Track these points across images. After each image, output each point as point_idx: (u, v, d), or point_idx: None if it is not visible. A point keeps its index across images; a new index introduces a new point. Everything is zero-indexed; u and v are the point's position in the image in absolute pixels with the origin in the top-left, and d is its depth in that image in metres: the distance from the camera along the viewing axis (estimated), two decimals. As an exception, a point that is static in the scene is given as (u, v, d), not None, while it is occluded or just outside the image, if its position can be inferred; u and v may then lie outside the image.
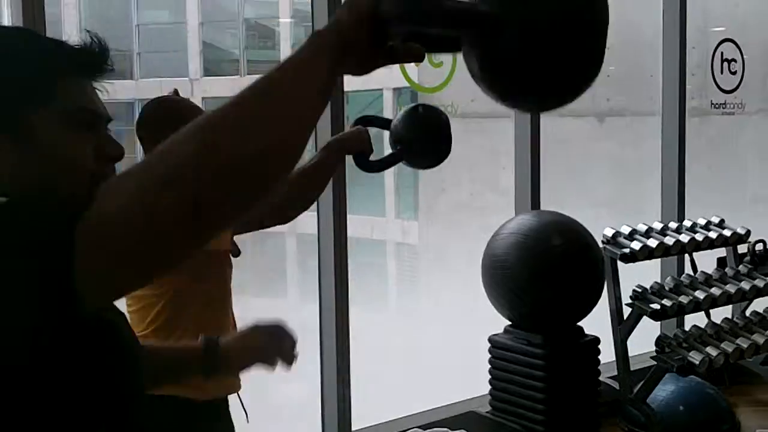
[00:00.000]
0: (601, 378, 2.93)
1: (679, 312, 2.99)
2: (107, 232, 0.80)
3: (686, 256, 3.29)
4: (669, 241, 3.08)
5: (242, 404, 2.23)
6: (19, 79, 0.97)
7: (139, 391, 1.02)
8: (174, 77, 13.07)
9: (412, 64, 3.04)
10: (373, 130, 2.17)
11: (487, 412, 2.91)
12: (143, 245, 0.81)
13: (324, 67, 0.89)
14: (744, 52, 4.08)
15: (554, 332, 2.80)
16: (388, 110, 11.43)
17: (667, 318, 3.00)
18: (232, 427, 2.22)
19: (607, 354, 2.98)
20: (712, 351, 2.92)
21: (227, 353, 1.41)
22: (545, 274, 2.71)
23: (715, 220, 3.35)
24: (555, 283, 2.71)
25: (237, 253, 2.26)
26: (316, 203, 2.82)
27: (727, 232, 3.28)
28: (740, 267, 3.25)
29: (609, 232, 3.09)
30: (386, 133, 2.09)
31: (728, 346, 2.97)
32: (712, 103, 4.06)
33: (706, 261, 3.34)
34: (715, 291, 3.03)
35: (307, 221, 2.83)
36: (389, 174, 11.64)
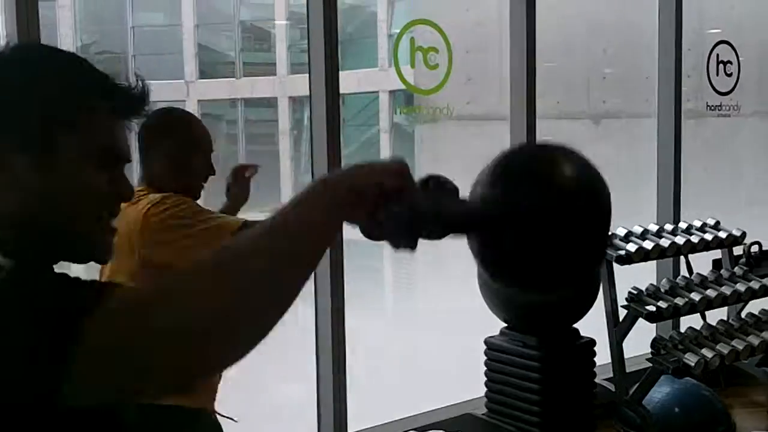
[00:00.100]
0: (596, 380, 2.93)
1: (675, 314, 2.99)
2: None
3: (682, 258, 3.29)
4: (665, 242, 3.08)
5: (224, 416, 2.21)
6: (60, 105, 0.97)
7: None
8: (169, 80, 13.06)
9: (408, 66, 3.05)
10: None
11: (483, 414, 2.91)
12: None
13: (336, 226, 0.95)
14: (740, 54, 4.09)
15: (550, 334, 2.79)
16: (384, 112, 11.44)
17: (663, 320, 3.00)
18: None
19: (602, 356, 2.98)
20: (707, 353, 2.92)
21: None
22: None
23: (711, 221, 3.36)
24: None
25: None
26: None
27: (722, 234, 3.28)
28: (736, 269, 3.26)
29: (604, 234, 3.09)
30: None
31: (724, 348, 2.97)
32: (707, 105, 4.07)
33: (702, 263, 3.34)
34: (711, 293, 3.04)
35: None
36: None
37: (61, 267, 0.98)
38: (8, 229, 0.94)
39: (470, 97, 5.96)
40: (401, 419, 2.96)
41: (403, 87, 3.19)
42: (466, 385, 3.10)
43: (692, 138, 4.25)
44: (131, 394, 0.86)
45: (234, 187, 2.37)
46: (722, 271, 3.24)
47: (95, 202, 0.99)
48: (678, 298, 2.98)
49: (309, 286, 2.66)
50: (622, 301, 3.02)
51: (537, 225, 0.95)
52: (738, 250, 3.45)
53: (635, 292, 3.01)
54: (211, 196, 2.27)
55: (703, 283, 3.13)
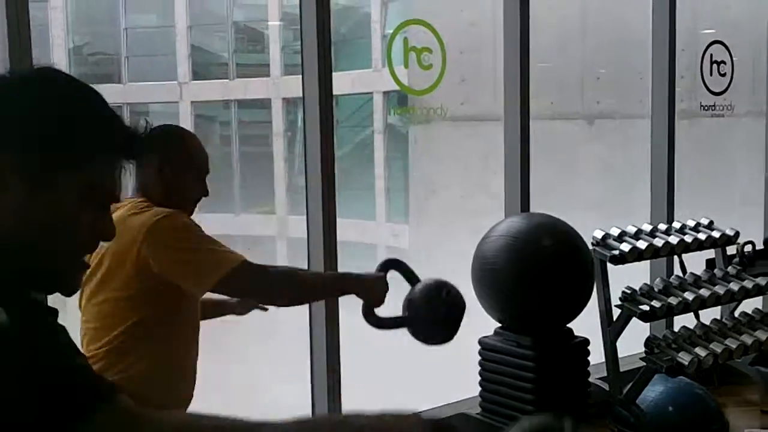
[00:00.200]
0: (590, 379, 2.94)
1: (669, 313, 2.99)
2: None
3: (675, 257, 3.30)
4: (658, 242, 3.09)
5: None
6: (67, 136, 0.98)
7: None
8: (162, 81, 13.04)
9: (402, 67, 3.05)
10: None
11: (477, 413, 2.91)
12: None
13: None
14: (733, 54, 4.10)
15: (544, 334, 2.80)
16: (378, 113, 11.44)
17: (657, 319, 3.01)
18: None
19: (596, 355, 2.98)
20: (701, 352, 2.93)
21: None
22: (535, 276, 2.72)
23: (705, 221, 3.37)
24: (544, 285, 2.72)
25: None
26: (305, 208, 2.83)
27: (716, 234, 3.29)
28: (729, 268, 3.27)
29: (599, 234, 3.09)
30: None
31: (717, 347, 2.98)
32: (701, 105, 4.07)
33: (696, 262, 3.35)
34: (704, 292, 3.04)
35: (297, 225, 2.82)
36: (379, 177, 11.65)
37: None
38: None
39: (464, 97, 5.96)
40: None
41: (397, 88, 3.19)
42: (461, 384, 3.10)
43: (686, 138, 4.27)
44: None
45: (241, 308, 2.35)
46: (716, 271, 3.25)
47: (78, 238, 1.00)
48: (671, 298, 2.99)
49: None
50: (615, 300, 3.03)
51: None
52: (731, 250, 3.46)
53: (629, 291, 3.01)
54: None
55: (697, 282, 3.14)
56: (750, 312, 3.23)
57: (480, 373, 2.91)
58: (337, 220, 2.81)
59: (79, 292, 1.72)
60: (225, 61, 13.59)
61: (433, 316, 2.05)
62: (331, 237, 2.77)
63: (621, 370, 3.08)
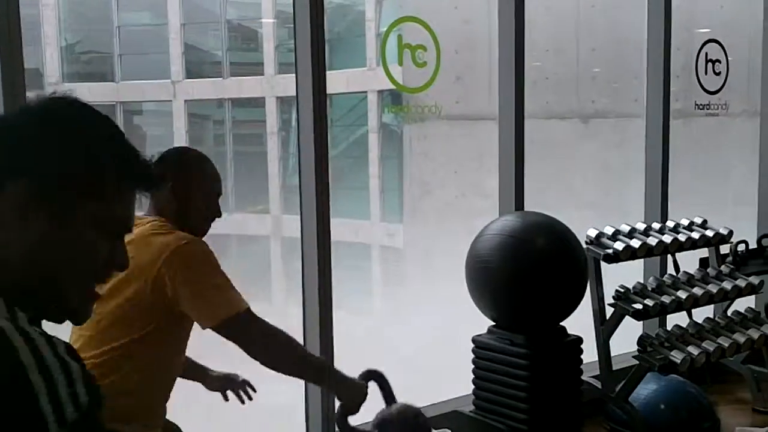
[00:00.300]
0: (583, 377, 2.94)
1: (662, 312, 3.00)
2: None
3: (669, 256, 3.31)
4: (652, 241, 3.10)
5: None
6: (87, 168, 0.99)
7: None
8: (156, 79, 13.00)
9: (396, 65, 3.05)
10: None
11: (470, 411, 2.92)
12: None
13: None
14: (729, 53, 4.11)
15: (537, 332, 2.80)
16: (373, 112, 11.43)
17: (650, 318, 3.02)
18: None
19: (589, 353, 2.99)
20: (693, 350, 2.94)
21: None
22: (528, 274, 2.72)
23: (698, 220, 3.38)
24: (538, 283, 2.72)
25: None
26: (299, 207, 2.83)
27: (709, 233, 3.30)
28: (722, 267, 3.28)
29: (592, 233, 3.10)
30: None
31: (710, 345, 2.99)
32: (696, 104, 4.08)
33: (690, 261, 3.36)
34: (697, 291, 3.05)
35: (291, 225, 2.82)
36: (374, 176, 11.64)
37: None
38: (4, 271, 0.95)
39: (459, 96, 5.96)
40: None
41: (391, 87, 3.18)
42: (454, 382, 3.10)
43: (680, 138, 4.27)
44: None
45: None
46: (709, 270, 3.26)
47: (94, 268, 1.01)
48: (665, 296, 3.00)
49: (297, 286, 2.65)
50: (609, 299, 3.03)
51: None
52: (725, 249, 3.48)
53: (622, 290, 3.02)
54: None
55: (690, 281, 3.14)
56: (743, 311, 3.25)
57: (473, 371, 2.91)
58: (332, 219, 2.80)
59: None
60: (218, 60, 13.55)
61: None
62: (324, 236, 2.77)
63: (614, 368, 3.09)
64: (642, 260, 3.44)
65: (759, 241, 3.76)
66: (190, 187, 2.05)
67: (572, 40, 5.89)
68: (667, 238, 3.15)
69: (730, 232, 3.37)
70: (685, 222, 3.35)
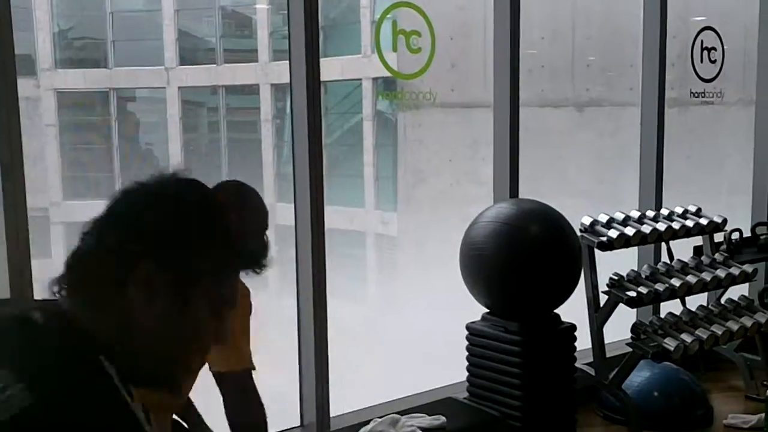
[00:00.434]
0: (577, 364, 2.95)
1: (655, 299, 3.01)
2: None
3: (663, 244, 3.32)
4: (646, 229, 3.10)
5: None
6: (209, 248, 1.03)
7: None
8: (149, 66, 12.91)
9: (391, 51, 3.03)
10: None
11: (464, 398, 2.92)
12: None
13: None
14: (724, 41, 4.09)
15: (531, 319, 2.80)
16: (368, 100, 11.40)
17: (643, 305, 3.03)
18: None
19: (583, 341, 2.99)
20: (687, 338, 2.95)
21: None
22: (522, 261, 2.72)
23: (692, 208, 3.38)
24: (532, 271, 2.72)
25: None
26: (293, 195, 2.81)
27: (703, 221, 3.30)
28: (716, 255, 3.28)
29: (587, 221, 3.10)
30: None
31: (703, 333, 3.00)
32: (691, 92, 4.07)
33: (685, 249, 3.37)
34: (691, 279, 3.06)
35: (285, 213, 2.81)
36: (368, 164, 11.62)
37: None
38: (113, 338, 0.98)
39: (454, 84, 5.94)
40: (383, 403, 2.96)
41: (386, 74, 3.16)
42: (448, 369, 3.11)
43: (675, 126, 4.27)
44: None
45: None
46: (703, 258, 3.27)
47: (201, 345, 1.05)
48: (658, 284, 3.00)
49: (291, 275, 2.63)
50: (603, 286, 3.04)
51: None
52: (719, 237, 3.48)
53: (616, 277, 3.02)
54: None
55: (684, 269, 3.15)
56: (736, 299, 3.26)
57: (467, 358, 2.92)
58: (326, 207, 2.79)
59: None
60: (212, 47, 13.47)
61: None
62: (318, 224, 2.76)
63: (607, 355, 3.10)
64: (636, 248, 3.44)
65: (753, 230, 3.77)
66: (244, 223, 2.05)
67: (568, 28, 5.86)
68: (661, 226, 3.15)
69: (724, 221, 3.37)
70: (679, 210, 3.35)
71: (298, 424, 2.85)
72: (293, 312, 2.86)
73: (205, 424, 2.19)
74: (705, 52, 4.04)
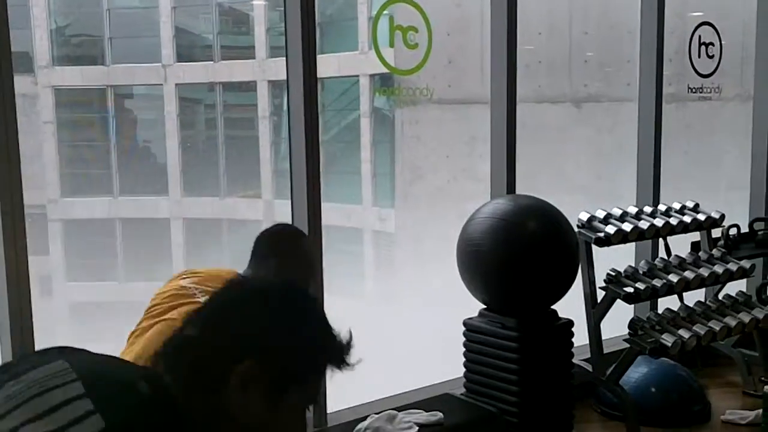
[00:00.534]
0: (574, 360, 2.95)
1: (653, 295, 3.01)
2: None
3: (660, 240, 3.31)
4: (643, 225, 3.09)
5: None
6: (304, 353, 1.07)
7: None
8: (146, 63, 12.89)
9: (389, 46, 3.02)
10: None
11: (461, 394, 2.92)
12: None
13: None
14: (722, 37, 4.09)
15: (528, 315, 2.80)
16: (365, 96, 11.38)
17: (641, 301, 3.02)
18: None
19: (580, 337, 2.99)
20: (684, 333, 2.95)
21: None
22: (519, 257, 2.72)
23: (690, 204, 3.37)
24: (529, 267, 2.72)
25: None
26: (290, 192, 2.81)
27: (701, 217, 3.30)
28: (714, 251, 3.28)
29: (584, 216, 3.09)
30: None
31: (700, 329, 3.00)
32: (689, 87, 4.07)
33: (683, 245, 3.36)
34: (689, 274, 3.06)
35: (283, 210, 2.80)
36: (366, 161, 11.61)
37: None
38: (207, 424, 1.02)
39: (451, 80, 5.93)
40: (380, 399, 2.96)
41: (384, 71, 3.16)
42: (446, 365, 3.11)
43: (673, 122, 4.27)
44: None
45: None
46: (700, 253, 3.26)
47: None
48: (656, 280, 3.00)
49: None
50: (600, 282, 3.04)
51: None
52: (717, 233, 3.48)
53: (613, 273, 3.02)
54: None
55: (681, 264, 3.15)
56: (734, 294, 3.25)
57: (465, 354, 2.92)
58: (324, 204, 2.79)
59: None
60: (209, 43, 13.45)
61: None
62: (315, 221, 2.75)
63: (605, 351, 3.10)
64: (633, 244, 3.44)
65: (751, 225, 3.77)
66: (295, 271, 2.07)
67: (565, 24, 5.86)
68: (659, 222, 3.14)
69: (722, 216, 3.37)
70: (676, 206, 3.35)
71: (296, 421, 2.84)
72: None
73: None
74: (703, 48, 4.04)
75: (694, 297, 3.19)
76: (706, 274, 3.08)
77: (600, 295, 3.04)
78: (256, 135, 13.19)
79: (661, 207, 3.33)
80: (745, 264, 3.21)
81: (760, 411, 2.97)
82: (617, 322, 3.15)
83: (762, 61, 4.24)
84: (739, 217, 3.81)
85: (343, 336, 1.11)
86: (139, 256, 11.63)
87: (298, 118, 2.71)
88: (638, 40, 3.83)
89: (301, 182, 2.73)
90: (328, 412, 2.81)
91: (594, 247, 3.05)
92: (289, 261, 2.05)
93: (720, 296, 3.26)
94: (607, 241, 3.00)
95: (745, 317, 3.11)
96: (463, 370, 2.93)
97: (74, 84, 12.73)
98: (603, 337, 3.10)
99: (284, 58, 2.74)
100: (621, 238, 3.03)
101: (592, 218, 3.09)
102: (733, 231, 3.60)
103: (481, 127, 3.57)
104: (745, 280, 3.45)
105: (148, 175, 12.68)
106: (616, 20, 4.77)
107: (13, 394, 0.95)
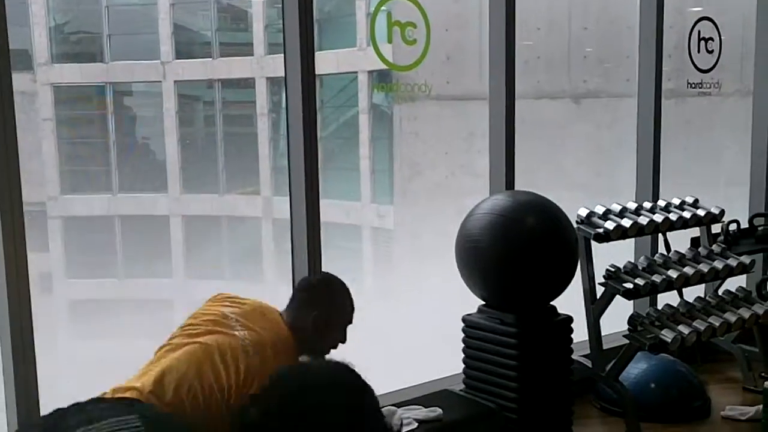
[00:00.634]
0: (573, 356, 2.95)
1: (652, 291, 3.00)
2: None
3: (660, 235, 3.31)
4: (643, 220, 3.09)
5: None
6: None
7: None
8: (145, 60, 12.88)
9: (387, 42, 3.02)
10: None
11: (460, 390, 2.92)
12: None
13: None
14: (722, 32, 4.08)
15: (527, 311, 2.80)
16: (364, 93, 11.37)
17: (640, 297, 3.02)
18: None
19: (580, 333, 2.99)
20: (684, 329, 2.95)
21: None
22: (518, 253, 2.71)
23: (690, 200, 3.37)
24: (528, 263, 2.71)
25: None
26: (288, 188, 2.81)
27: (701, 212, 3.30)
28: (713, 246, 3.28)
29: (583, 212, 3.09)
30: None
31: (700, 325, 3.00)
32: (688, 83, 4.06)
33: (682, 240, 3.36)
34: (688, 270, 3.06)
35: (282, 206, 2.80)
36: (364, 157, 11.60)
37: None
38: None
39: (449, 76, 5.92)
40: (380, 395, 2.95)
41: (382, 67, 3.15)
42: (445, 361, 3.11)
43: (672, 117, 4.26)
44: None
45: None
46: (700, 249, 3.26)
47: None
48: (655, 276, 3.00)
49: (287, 265, 2.64)
50: (599, 278, 3.04)
51: None
52: (716, 228, 3.48)
53: (613, 269, 3.02)
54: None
55: (681, 260, 3.15)
56: (734, 290, 3.25)
57: (463, 350, 2.91)
58: (323, 201, 2.79)
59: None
60: (208, 40, 13.43)
61: None
62: (314, 218, 2.75)
63: (604, 347, 3.10)
64: (633, 240, 3.44)
65: (750, 221, 3.77)
66: (332, 322, 2.16)
67: (564, 19, 5.85)
68: (658, 218, 3.14)
69: (722, 212, 3.37)
70: (676, 201, 3.35)
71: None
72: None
73: None
74: (702, 43, 4.03)
75: (693, 293, 3.19)
76: (705, 270, 3.07)
77: (599, 291, 3.04)
78: (254, 132, 13.18)
79: (661, 203, 3.32)
80: (745, 260, 3.21)
81: (760, 407, 2.97)
82: (617, 318, 3.15)
83: (762, 57, 4.23)
84: (738, 212, 3.81)
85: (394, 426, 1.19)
86: (138, 253, 11.64)
87: (297, 114, 2.70)
88: (637, 36, 3.82)
89: (300, 179, 2.73)
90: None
91: (593, 243, 3.05)
92: (327, 310, 2.14)
93: (720, 292, 3.26)
94: (606, 236, 3.00)
95: (745, 313, 3.11)
96: (462, 366, 2.93)
97: (73, 81, 12.71)
98: (602, 333, 3.10)
99: (282, 55, 2.74)
100: (620, 233, 3.03)
101: (591, 214, 3.09)
102: (732, 227, 3.60)
103: (480, 123, 3.56)
104: (744, 276, 3.44)
105: (147, 172, 12.68)
106: (616, 16, 4.76)
107: None
